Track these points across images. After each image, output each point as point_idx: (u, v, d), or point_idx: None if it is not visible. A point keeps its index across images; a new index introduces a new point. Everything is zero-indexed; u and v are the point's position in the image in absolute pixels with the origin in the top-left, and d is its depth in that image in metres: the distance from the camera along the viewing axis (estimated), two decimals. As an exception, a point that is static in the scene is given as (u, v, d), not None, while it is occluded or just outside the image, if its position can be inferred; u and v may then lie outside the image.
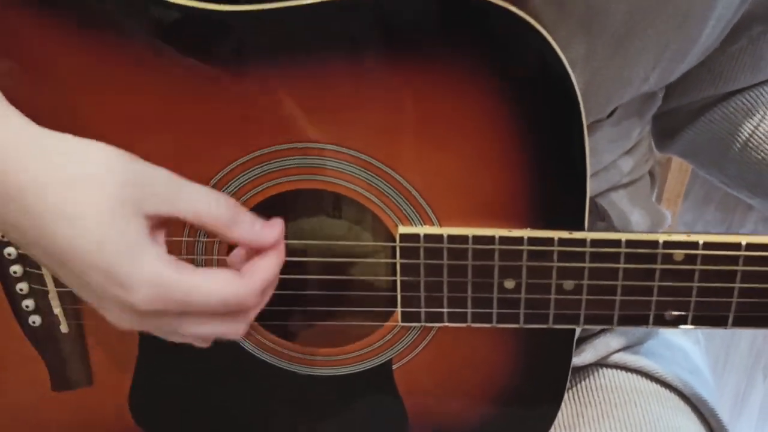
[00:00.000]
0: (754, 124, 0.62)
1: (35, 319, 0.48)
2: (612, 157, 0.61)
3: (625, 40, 0.50)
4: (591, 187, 0.61)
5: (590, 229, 0.45)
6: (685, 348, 0.68)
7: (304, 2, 0.38)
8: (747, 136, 0.62)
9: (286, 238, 0.42)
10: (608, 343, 0.63)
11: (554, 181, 0.43)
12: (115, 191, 0.39)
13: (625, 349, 0.64)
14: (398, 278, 0.45)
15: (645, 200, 0.68)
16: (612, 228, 0.63)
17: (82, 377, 0.50)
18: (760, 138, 0.61)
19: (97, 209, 0.39)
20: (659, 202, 0.92)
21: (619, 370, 0.64)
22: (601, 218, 0.62)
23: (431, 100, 0.40)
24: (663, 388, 0.63)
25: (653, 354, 0.65)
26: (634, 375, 0.64)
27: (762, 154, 0.61)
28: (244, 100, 0.41)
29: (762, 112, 0.62)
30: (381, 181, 0.43)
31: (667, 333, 0.68)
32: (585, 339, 0.65)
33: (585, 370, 0.65)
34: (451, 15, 0.38)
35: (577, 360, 0.63)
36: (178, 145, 0.42)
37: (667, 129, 0.68)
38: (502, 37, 0.39)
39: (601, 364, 0.65)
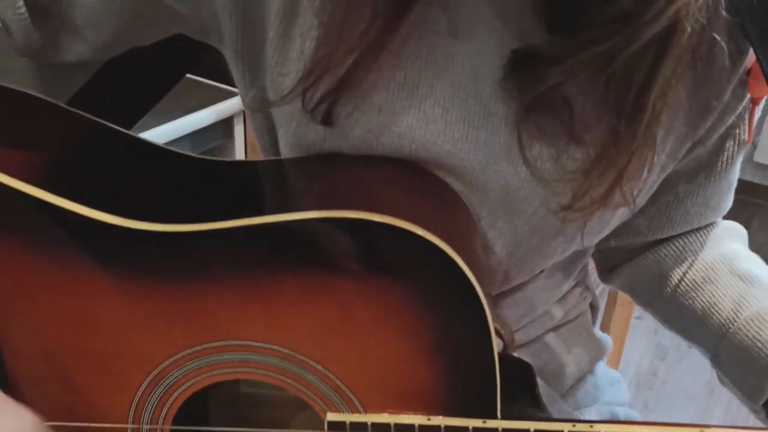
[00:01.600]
0: (683, 271, 0.65)
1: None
2: (545, 307, 0.65)
3: (541, 222, 0.54)
4: (525, 335, 0.65)
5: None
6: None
7: (222, 227, 0.42)
8: (676, 282, 0.66)
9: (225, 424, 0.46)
10: None
11: (466, 374, 0.46)
12: None
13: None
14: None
15: (584, 337, 0.71)
16: (544, 373, 0.66)
17: None
18: (688, 286, 0.65)
19: None
20: (608, 323, 0.95)
21: None
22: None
23: (352, 305, 0.44)
24: None
25: None
26: None
27: (689, 301, 0.65)
28: (176, 305, 0.44)
29: (690, 260, 0.66)
30: (310, 374, 0.46)
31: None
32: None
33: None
34: (365, 240, 0.42)
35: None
36: (111, 344, 0.46)
37: (605, 265, 0.72)
38: (412, 255, 0.43)
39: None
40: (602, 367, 0.75)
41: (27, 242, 0.43)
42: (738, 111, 0.56)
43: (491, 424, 0.47)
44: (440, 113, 0.49)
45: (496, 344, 0.47)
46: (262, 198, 0.50)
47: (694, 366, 1.86)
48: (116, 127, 0.51)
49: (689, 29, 0.43)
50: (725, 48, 0.49)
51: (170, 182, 0.49)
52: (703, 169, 0.61)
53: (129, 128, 0.63)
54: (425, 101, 0.49)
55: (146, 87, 0.61)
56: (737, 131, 0.59)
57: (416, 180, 0.52)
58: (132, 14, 0.48)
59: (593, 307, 0.74)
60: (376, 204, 0.44)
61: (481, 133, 0.50)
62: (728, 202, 0.66)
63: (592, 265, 0.75)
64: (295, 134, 0.52)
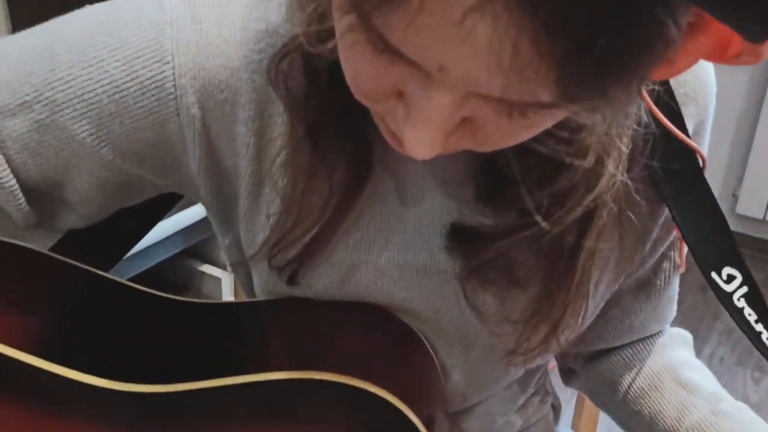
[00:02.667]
0: (631, 378, 0.71)
1: None
2: (505, 417, 0.70)
3: (492, 353, 0.60)
4: (487, 444, 0.70)
5: None
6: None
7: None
8: (626, 388, 0.71)
9: None
10: None
11: None
12: None
13: None
14: None
15: (546, 441, 0.76)
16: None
17: None
18: (636, 392, 0.70)
19: None
20: (579, 420, 1.00)
21: None
22: None
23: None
24: None
25: None
26: None
27: (638, 407, 0.70)
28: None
29: (638, 368, 0.71)
30: None
31: None
32: None
33: None
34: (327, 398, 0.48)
35: None
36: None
37: (564, 369, 0.78)
38: (367, 410, 0.49)
39: None
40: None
41: (21, 404, 0.49)
42: (668, 242, 0.62)
43: None
44: (394, 267, 0.55)
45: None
46: (233, 350, 0.56)
47: None
48: (99, 272, 0.57)
49: (608, 207, 0.49)
50: (643, 204, 0.55)
51: (150, 335, 0.55)
52: (643, 288, 0.67)
53: (117, 260, 0.69)
54: (380, 257, 0.55)
55: (132, 225, 0.68)
56: (672, 254, 0.65)
57: (378, 319, 0.58)
58: (119, 190, 0.55)
59: (555, 408, 0.80)
60: (339, 355, 0.50)
61: (433, 282, 0.56)
62: (671, 312, 0.72)
63: (553, 364, 0.81)
64: (267, 283, 0.58)
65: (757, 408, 0.60)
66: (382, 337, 0.57)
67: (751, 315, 0.56)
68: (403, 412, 0.49)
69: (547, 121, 0.39)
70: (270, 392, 0.48)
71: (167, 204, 0.67)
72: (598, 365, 0.74)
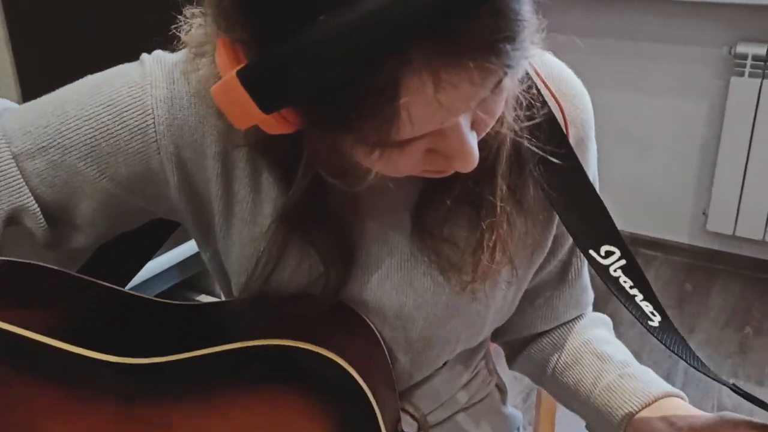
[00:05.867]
0: (557, 356, 0.84)
1: None
2: (450, 393, 0.83)
3: (431, 337, 0.73)
4: (436, 417, 0.83)
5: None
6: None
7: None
8: (553, 365, 0.84)
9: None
10: None
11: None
12: None
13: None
14: None
15: (492, 415, 0.89)
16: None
17: None
18: (561, 367, 0.83)
19: None
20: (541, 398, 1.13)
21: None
22: None
23: (279, 408, 0.63)
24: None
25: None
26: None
27: (564, 379, 0.83)
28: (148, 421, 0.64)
29: (562, 347, 0.84)
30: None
31: None
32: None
33: None
34: (292, 362, 0.62)
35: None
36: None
37: (507, 357, 0.91)
38: (323, 371, 0.62)
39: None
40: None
41: (40, 378, 0.63)
42: (571, 241, 0.76)
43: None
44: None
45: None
46: (218, 332, 0.70)
47: None
48: (112, 285, 0.71)
49: (507, 147, 0.64)
50: (540, 197, 0.69)
51: (150, 325, 0.69)
52: (559, 279, 0.81)
53: (129, 279, 0.83)
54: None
55: (138, 250, 0.82)
56: (578, 251, 0.79)
57: (334, 308, 0.71)
58: (118, 214, 0.69)
59: (500, 389, 0.92)
60: (300, 331, 0.64)
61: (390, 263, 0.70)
62: (588, 298, 0.85)
63: (494, 346, 0.94)
64: (244, 288, 0.72)
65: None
66: (335, 319, 0.70)
67: (626, 282, 0.69)
68: (351, 374, 0.62)
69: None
70: (245, 357, 0.62)
71: (164, 234, 0.81)
72: (531, 349, 0.87)
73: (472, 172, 0.56)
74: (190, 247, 1.30)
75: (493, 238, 0.67)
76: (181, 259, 1.29)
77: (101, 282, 0.72)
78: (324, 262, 0.67)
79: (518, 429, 0.96)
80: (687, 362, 0.70)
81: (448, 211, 0.68)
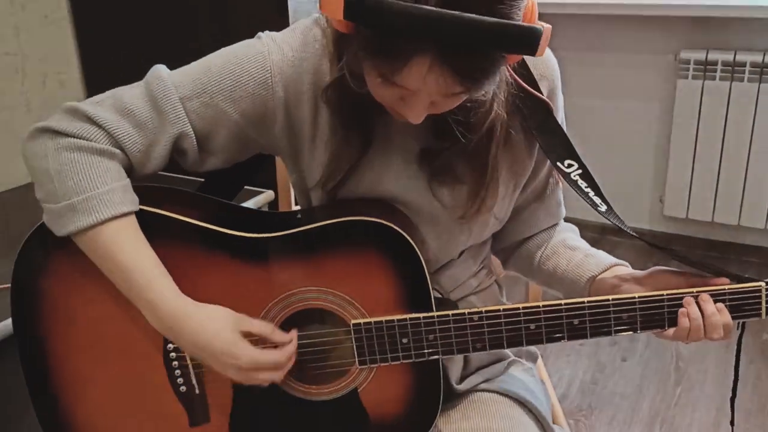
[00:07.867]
0: (540, 253, 1.17)
1: (182, 386, 1.00)
2: (464, 279, 1.15)
3: (449, 227, 1.06)
4: (455, 295, 1.15)
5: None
6: (523, 380, 1.19)
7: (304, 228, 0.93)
8: (538, 259, 1.17)
9: (300, 330, 0.96)
10: (475, 380, 1.15)
11: (416, 297, 0.97)
12: (228, 324, 0.93)
13: (485, 381, 1.16)
14: (353, 343, 0.97)
15: (494, 299, 1.22)
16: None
17: (204, 417, 1.01)
18: (543, 259, 1.16)
19: (223, 332, 0.92)
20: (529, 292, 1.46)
21: (483, 392, 1.15)
22: None
23: (359, 264, 0.95)
24: (509, 399, 1.14)
25: (504, 382, 1.17)
26: (492, 393, 1.15)
27: (546, 267, 1.16)
28: (270, 273, 0.95)
29: (544, 246, 1.18)
30: (340, 298, 0.96)
31: (513, 371, 1.20)
32: (464, 377, 1.16)
33: (464, 394, 1.16)
34: (364, 231, 0.94)
35: (460, 387, 1.14)
36: (242, 299, 0.96)
37: (502, 259, 1.24)
38: (387, 239, 0.94)
39: (473, 390, 1.16)
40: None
41: (188, 249, 0.94)
42: (547, 165, 1.10)
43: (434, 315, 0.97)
44: (395, 178, 1.02)
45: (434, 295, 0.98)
46: (307, 220, 1.01)
47: (625, 376, 2.34)
48: (225, 201, 1.03)
49: (499, 127, 0.97)
50: (522, 136, 1.03)
51: (258, 224, 1.01)
52: (539, 195, 1.14)
53: (233, 197, 1.15)
54: (387, 173, 1.02)
55: (240, 176, 1.15)
56: (554, 173, 1.12)
57: (387, 207, 1.04)
58: (240, 144, 1.01)
59: (499, 285, 1.25)
60: (363, 213, 0.96)
61: (413, 183, 1.03)
62: (561, 212, 1.19)
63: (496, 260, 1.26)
64: (320, 198, 1.04)
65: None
66: (391, 214, 1.03)
67: (582, 183, 1.03)
68: (404, 236, 0.94)
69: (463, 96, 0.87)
70: (335, 228, 0.94)
71: (256, 168, 1.14)
72: (520, 251, 1.20)
73: (474, 133, 0.94)
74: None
75: (482, 196, 1.02)
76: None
77: (215, 198, 1.05)
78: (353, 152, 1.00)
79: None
80: (618, 225, 1.03)
81: (448, 161, 1.01)
